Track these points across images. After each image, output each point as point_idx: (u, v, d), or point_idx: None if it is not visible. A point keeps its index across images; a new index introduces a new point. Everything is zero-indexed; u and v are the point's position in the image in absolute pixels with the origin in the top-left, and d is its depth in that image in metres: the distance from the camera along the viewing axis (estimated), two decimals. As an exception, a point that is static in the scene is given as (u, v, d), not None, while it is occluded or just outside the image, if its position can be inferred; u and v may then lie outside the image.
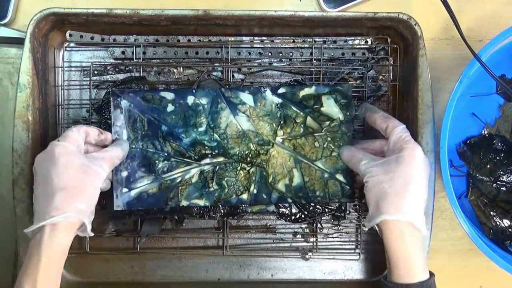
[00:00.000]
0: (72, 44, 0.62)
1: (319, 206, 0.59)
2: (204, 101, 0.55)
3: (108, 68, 0.62)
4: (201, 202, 0.55)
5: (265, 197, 0.56)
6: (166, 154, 0.55)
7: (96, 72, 0.62)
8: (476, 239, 0.52)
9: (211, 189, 0.55)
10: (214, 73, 0.63)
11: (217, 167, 0.56)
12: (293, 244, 0.63)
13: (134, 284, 0.62)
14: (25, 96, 0.56)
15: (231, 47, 0.62)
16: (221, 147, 0.56)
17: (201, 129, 0.55)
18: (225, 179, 0.56)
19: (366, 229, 0.55)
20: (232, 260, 0.63)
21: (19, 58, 0.57)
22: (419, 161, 0.48)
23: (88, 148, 0.52)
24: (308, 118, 0.55)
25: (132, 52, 0.62)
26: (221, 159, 0.56)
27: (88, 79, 0.61)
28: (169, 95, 0.55)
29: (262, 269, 0.63)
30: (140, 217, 0.59)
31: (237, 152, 0.56)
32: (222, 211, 0.58)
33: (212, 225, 0.63)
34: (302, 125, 0.56)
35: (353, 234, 0.63)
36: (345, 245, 0.62)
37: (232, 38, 0.62)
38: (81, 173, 0.47)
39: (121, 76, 0.62)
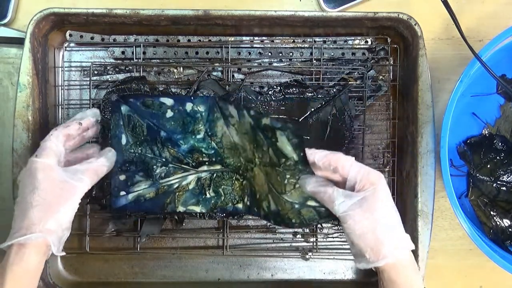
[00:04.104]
0: (72, 44, 0.62)
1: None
2: (202, 108, 0.55)
3: (108, 68, 0.62)
4: (198, 209, 0.55)
5: (256, 211, 0.54)
6: (164, 159, 0.55)
7: (96, 72, 0.62)
8: (476, 239, 0.52)
9: (208, 196, 0.55)
10: (214, 73, 0.63)
11: (214, 174, 0.55)
12: (293, 244, 0.63)
13: (134, 284, 0.62)
14: (25, 96, 0.56)
15: (231, 47, 0.62)
16: (218, 155, 0.55)
17: (199, 136, 0.55)
18: (222, 187, 0.55)
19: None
20: (232, 260, 0.63)
21: (19, 58, 0.57)
22: (388, 190, 0.47)
23: (70, 156, 0.51)
24: (270, 149, 0.50)
25: (132, 52, 0.62)
26: (218, 167, 0.55)
27: (88, 79, 0.61)
28: (169, 101, 0.55)
29: (262, 269, 0.63)
30: (140, 217, 0.59)
31: (232, 163, 0.55)
32: (222, 211, 0.58)
33: (212, 225, 0.63)
34: (268, 154, 0.51)
35: (353, 234, 0.63)
36: (345, 245, 0.62)
37: (232, 38, 0.62)
38: (57, 189, 0.45)
39: (121, 76, 0.62)
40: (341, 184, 0.48)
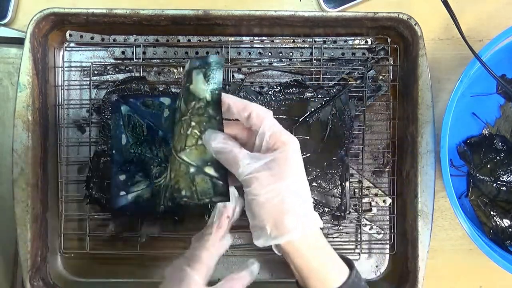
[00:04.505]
0: (72, 44, 0.62)
1: (318, 206, 0.58)
2: None
3: (108, 68, 0.62)
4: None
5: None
6: (159, 159, 0.55)
7: (96, 72, 0.62)
8: (476, 239, 0.52)
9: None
10: (214, 73, 0.62)
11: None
12: (293, 244, 0.63)
13: (134, 284, 0.62)
14: (25, 96, 0.56)
15: (231, 47, 0.61)
16: None
17: None
18: None
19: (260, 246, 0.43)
20: (232, 260, 0.63)
21: (19, 58, 0.57)
22: (300, 156, 0.42)
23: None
24: (182, 101, 0.44)
25: (132, 52, 0.62)
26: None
27: (88, 79, 0.61)
28: (167, 101, 0.55)
29: (262, 269, 0.63)
30: (140, 217, 0.59)
31: None
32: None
33: (212, 225, 0.63)
34: (178, 110, 0.44)
35: (353, 234, 0.63)
36: (345, 245, 0.62)
37: (232, 38, 0.62)
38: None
39: (121, 76, 0.62)
40: (249, 147, 0.42)
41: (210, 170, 0.42)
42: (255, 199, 0.39)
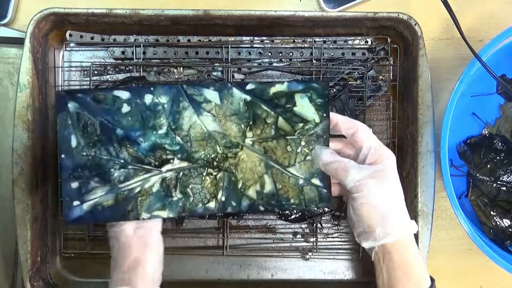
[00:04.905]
0: (72, 44, 0.62)
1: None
2: (163, 99, 0.49)
3: (108, 68, 0.62)
4: (164, 214, 0.49)
5: (234, 204, 0.50)
6: (122, 161, 0.48)
7: (96, 72, 0.62)
8: (476, 239, 0.52)
9: (175, 198, 0.49)
10: (214, 73, 0.63)
11: (181, 173, 0.49)
12: (293, 244, 0.63)
13: (134, 284, 0.62)
14: (25, 96, 0.56)
15: (231, 47, 0.62)
16: (184, 151, 0.49)
17: (161, 131, 0.49)
18: (190, 186, 0.49)
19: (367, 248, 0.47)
20: (232, 260, 0.63)
21: (19, 58, 0.57)
22: (396, 169, 0.48)
23: None
24: (280, 118, 0.49)
25: (132, 52, 0.62)
26: (184, 164, 0.49)
27: (88, 79, 0.61)
28: (124, 94, 0.48)
29: (262, 269, 0.63)
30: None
31: (203, 156, 0.49)
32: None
33: (212, 225, 0.63)
34: (273, 126, 0.49)
35: (353, 234, 0.63)
36: (345, 245, 0.62)
37: (232, 38, 0.62)
38: (135, 240, 0.48)
39: (121, 76, 0.62)
40: (353, 160, 0.48)
41: (316, 181, 0.49)
42: (365, 203, 0.45)
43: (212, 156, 0.50)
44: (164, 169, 0.49)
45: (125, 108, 0.48)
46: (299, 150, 0.49)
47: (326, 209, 0.59)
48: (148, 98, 0.49)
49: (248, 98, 0.49)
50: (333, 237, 0.63)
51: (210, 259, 0.63)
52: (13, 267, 0.60)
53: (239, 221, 0.63)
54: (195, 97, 0.49)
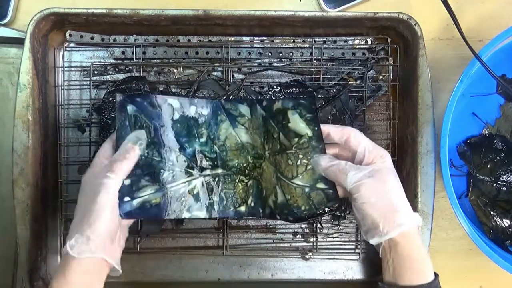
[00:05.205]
0: (72, 44, 0.62)
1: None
2: (204, 112, 0.54)
3: (108, 68, 0.62)
4: (202, 214, 0.53)
5: (260, 210, 0.54)
6: (171, 163, 0.52)
7: (96, 72, 0.62)
8: (476, 239, 0.52)
9: (211, 201, 0.53)
10: (214, 73, 0.62)
11: (216, 178, 0.54)
12: (293, 244, 0.63)
13: (134, 284, 0.62)
14: (25, 96, 0.56)
15: (231, 47, 0.61)
16: (220, 159, 0.54)
17: (202, 140, 0.54)
18: (224, 191, 0.54)
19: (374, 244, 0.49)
20: (232, 260, 0.63)
21: (19, 58, 0.57)
22: (393, 166, 0.50)
23: None
24: (281, 134, 0.53)
25: (132, 52, 0.62)
26: (220, 171, 0.54)
27: (88, 79, 0.61)
28: (176, 103, 0.53)
29: (262, 269, 0.63)
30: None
31: (236, 165, 0.54)
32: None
33: (212, 225, 0.63)
34: (278, 141, 0.53)
35: (353, 234, 0.63)
36: (345, 245, 0.62)
37: (232, 38, 0.62)
38: (90, 195, 0.46)
39: (121, 76, 0.62)
40: (350, 162, 0.50)
41: (320, 185, 0.51)
42: (365, 202, 0.46)
43: (245, 165, 0.55)
44: (203, 173, 0.54)
45: (176, 116, 0.53)
46: (298, 163, 0.52)
47: (326, 209, 0.59)
48: (192, 109, 0.54)
49: (264, 113, 0.54)
50: (333, 237, 0.63)
51: (210, 259, 0.63)
52: (13, 267, 0.60)
53: (239, 221, 0.63)
54: (231, 111, 0.55)
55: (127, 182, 0.49)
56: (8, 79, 0.62)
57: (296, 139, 0.52)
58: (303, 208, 0.52)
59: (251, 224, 0.63)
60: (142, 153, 0.50)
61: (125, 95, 0.52)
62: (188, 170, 0.53)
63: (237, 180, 0.54)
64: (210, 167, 0.54)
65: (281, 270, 0.63)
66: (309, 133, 0.51)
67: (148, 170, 0.50)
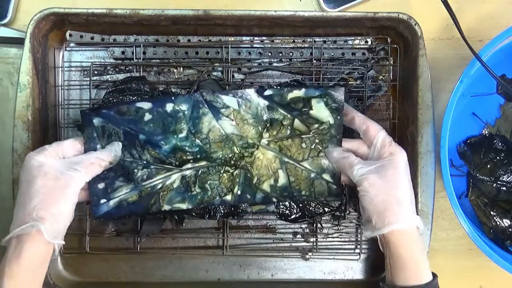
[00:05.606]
0: (72, 44, 0.62)
1: (319, 206, 0.59)
2: (184, 107, 0.53)
3: (108, 68, 0.62)
4: (184, 206, 0.54)
5: (249, 197, 0.55)
6: (145, 162, 0.53)
7: (96, 72, 0.62)
8: (476, 239, 0.52)
9: (194, 193, 0.54)
10: (214, 73, 0.63)
11: (200, 171, 0.54)
12: (293, 244, 0.63)
13: (134, 284, 0.62)
14: (25, 96, 0.56)
15: (231, 47, 0.62)
16: (203, 151, 0.54)
17: (182, 135, 0.54)
18: (208, 182, 0.54)
19: (368, 238, 0.52)
20: (232, 260, 0.63)
21: (19, 58, 0.57)
22: (407, 165, 0.50)
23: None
24: (296, 120, 0.54)
25: (132, 52, 0.62)
26: (203, 163, 0.54)
27: (88, 79, 0.61)
28: (146, 105, 0.53)
29: (262, 269, 0.63)
30: (140, 217, 0.59)
31: (220, 156, 0.54)
32: (222, 211, 0.58)
33: (212, 225, 0.63)
34: (289, 127, 0.54)
35: (353, 234, 0.63)
36: (345, 245, 0.62)
37: (232, 38, 0.62)
38: (51, 182, 0.46)
39: (121, 76, 0.62)
40: (364, 159, 0.52)
41: (327, 176, 0.54)
42: (365, 195, 0.48)
43: (230, 155, 0.55)
44: (184, 167, 0.54)
45: (147, 117, 0.53)
46: (313, 146, 0.54)
47: (326, 209, 0.59)
48: (169, 107, 0.53)
49: (266, 103, 0.54)
50: (333, 237, 0.63)
51: (210, 259, 0.63)
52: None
53: (239, 221, 0.63)
54: (214, 104, 0.54)
55: (101, 186, 0.52)
56: (8, 79, 0.62)
57: (316, 125, 0.54)
58: (303, 192, 0.54)
59: (251, 224, 0.63)
60: (113, 163, 0.52)
61: (90, 112, 0.53)
62: (166, 166, 0.54)
63: (222, 171, 0.55)
64: (191, 161, 0.54)
65: (281, 270, 0.63)
66: (331, 121, 0.53)
67: (121, 171, 0.53)
